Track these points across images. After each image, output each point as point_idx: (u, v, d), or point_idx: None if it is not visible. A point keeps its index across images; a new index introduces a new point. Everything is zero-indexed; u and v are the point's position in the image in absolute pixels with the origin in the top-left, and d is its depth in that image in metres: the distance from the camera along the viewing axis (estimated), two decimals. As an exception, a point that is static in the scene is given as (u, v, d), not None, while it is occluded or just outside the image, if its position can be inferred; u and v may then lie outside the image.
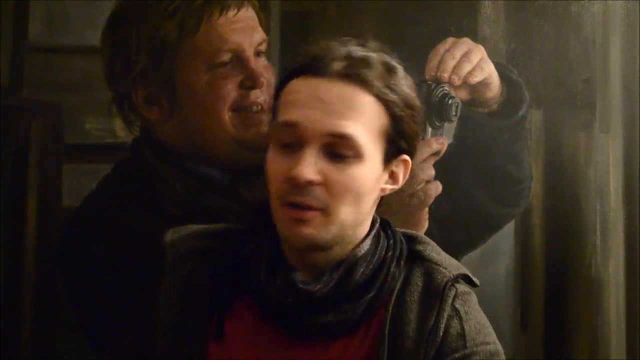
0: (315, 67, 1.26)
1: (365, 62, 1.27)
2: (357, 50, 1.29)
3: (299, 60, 1.30)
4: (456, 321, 1.28)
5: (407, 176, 1.34)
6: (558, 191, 2.03)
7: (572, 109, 2.02)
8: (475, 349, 1.29)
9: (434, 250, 1.36)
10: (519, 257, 2.04)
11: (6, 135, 1.89)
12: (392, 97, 1.28)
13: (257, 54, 1.71)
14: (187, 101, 1.69)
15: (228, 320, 1.33)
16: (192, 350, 1.30)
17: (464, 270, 1.34)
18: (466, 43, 1.74)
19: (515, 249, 2.04)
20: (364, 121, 1.25)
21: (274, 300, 1.29)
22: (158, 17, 1.67)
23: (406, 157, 1.32)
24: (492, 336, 1.32)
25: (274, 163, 1.26)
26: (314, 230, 1.24)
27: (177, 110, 1.70)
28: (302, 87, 1.26)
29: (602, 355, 2.02)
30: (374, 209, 1.33)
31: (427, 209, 1.71)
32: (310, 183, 1.22)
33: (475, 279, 1.35)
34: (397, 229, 1.39)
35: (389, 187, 1.32)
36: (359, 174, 1.26)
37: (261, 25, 1.74)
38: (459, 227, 1.80)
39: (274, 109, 1.31)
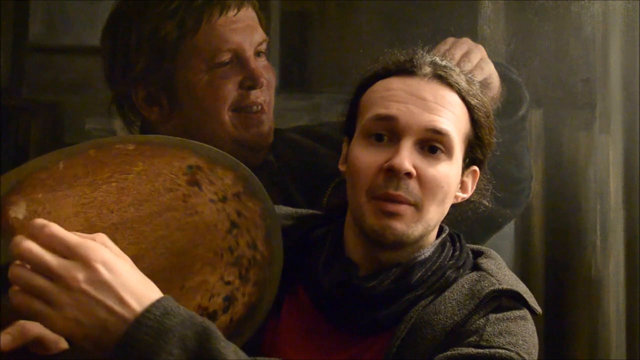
0: (407, 68, 1.31)
1: (450, 68, 1.33)
2: (439, 59, 1.34)
3: (384, 63, 1.34)
4: (481, 322, 1.24)
5: (475, 188, 1.35)
6: (558, 191, 2.02)
7: (572, 109, 2.02)
8: (486, 347, 1.20)
9: (495, 265, 1.34)
10: (519, 257, 2.04)
11: (6, 135, 1.88)
12: (476, 102, 1.32)
13: (257, 54, 1.71)
14: (187, 101, 1.69)
15: (288, 300, 1.35)
16: None
17: (519, 290, 1.28)
18: (466, 43, 1.75)
19: (515, 249, 2.03)
20: (455, 121, 1.29)
21: (325, 291, 1.30)
22: (158, 17, 1.67)
23: (476, 167, 1.34)
24: (521, 348, 1.21)
25: (364, 156, 1.27)
26: (405, 225, 1.25)
27: (177, 110, 1.70)
28: (396, 84, 1.29)
29: (602, 356, 2.01)
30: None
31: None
32: (408, 175, 1.24)
33: (535, 306, 1.29)
34: (469, 245, 1.38)
35: (461, 195, 1.35)
36: (449, 172, 1.28)
37: (261, 25, 1.74)
38: (459, 227, 1.80)
39: (355, 108, 1.34)
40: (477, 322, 1.23)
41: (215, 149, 1.29)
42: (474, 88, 1.33)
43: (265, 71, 1.71)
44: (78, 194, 1.20)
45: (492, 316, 1.24)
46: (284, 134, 1.78)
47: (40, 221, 1.04)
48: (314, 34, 1.96)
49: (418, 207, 1.25)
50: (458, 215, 1.42)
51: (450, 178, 1.28)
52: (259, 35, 1.72)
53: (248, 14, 1.72)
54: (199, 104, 1.68)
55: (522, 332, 1.24)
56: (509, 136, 1.83)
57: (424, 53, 1.35)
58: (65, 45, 1.93)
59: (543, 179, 2.01)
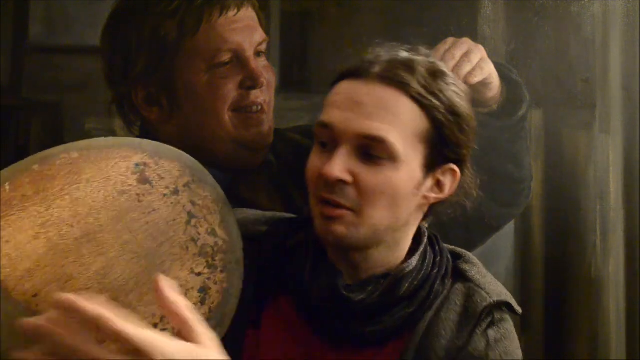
0: (356, 70, 1.28)
1: (407, 65, 1.27)
2: (403, 54, 1.29)
3: (348, 64, 1.31)
4: (482, 345, 1.27)
5: (456, 186, 1.32)
6: (558, 191, 2.03)
7: (572, 109, 2.03)
8: None
9: (479, 273, 1.34)
10: (519, 257, 2.04)
11: (6, 135, 1.89)
12: (433, 101, 1.26)
13: (257, 54, 1.71)
14: (187, 101, 1.68)
15: (268, 310, 1.33)
16: (230, 334, 1.29)
17: (506, 297, 1.32)
18: (466, 43, 1.74)
19: (515, 249, 2.04)
20: (399, 124, 1.25)
21: (313, 302, 1.29)
22: (158, 17, 1.67)
23: (453, 166, 1.30)
24: None
25: (312, 161, 1.28)
26: (344, 228, 1.24)
27: (177, 110, 1.70)
28: (342, 89, 1.28)
29: (602, 356, 2.02)
30: (419, 218, 1.32)
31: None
32: (339, 182, 1.23)
33: (517, 307, 1.33)
34: (445, 245, 1.38)
35: (434, 195, 1.30)
36: (393, 178, 1.25)
37: (261, 25, 1.74)
38: (459, 227, 1.80)
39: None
40: (479, 345, 1.26)
41: (156, 142, 1.28)
42: (437, 85, 1.28)
43: (265, 71, 1.71)
44: (32, 214, 1.16)
45: (490, 336, 1.28)
46: (284, 134, 1.78)
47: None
48: (314, 34, 1.97)
49: (356, 212, 1.24)
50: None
51: (396, 183, 1.25)
52: (259, 35, 1.72)
53: (248, 14, 1.72)
54: (199, 104, 1.68)
55: (514, 349, 1.29)
56: (509, 136, 1.83)
57: (386, 51, 1.30)
58: (65, 45, 1.93)
59: (543, 179, 2.02)
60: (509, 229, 2.01)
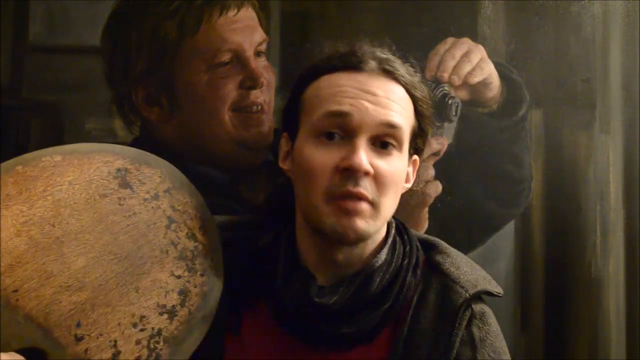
0: (352, 63, 1.28)
1: (393, 61, 1.30)
2: (378, 51, 1.31)
3: (327, 58, 1.31)
4: (469, 350, 1.25)
5: (416, 176, 1.34)
6: (558, 191, 2.03)
7: (572, 109, 2.02)
8: None
9: (453, 264, 1.32)
10: (519, 257, 2.04)
11: (6, 135, 1.88)
12: (419, 94, 1.30)
13: (257, 54, 1.71)
14: (187, 101, 1.69)
15: (247, 315, 1.32)
16: (209, 340, 1.29)
17: (483, 285, 1.30)
18: (466, 43, 1.75)
19: (515, 249, 2.03)
20: (403, 114, 1.27)
21: (287, 307, 1.28)
22: (158, 17, 1.67)
23: (417, 157, 1.33)
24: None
25: (317, 156, 1.24)
26: (365, 222, 1.23)
27: (177, 110, 1.70)
28: (345, 80, 1.26)
29: (602, 355, 2.01)
30: None
31: (426, 209, 1.72)
32: (366, 174, 1.22)
33: (496, 290, 1.31)
34: (415, 233, 1.37)
35: (406, 185, 1.33)
36: (400, 166, 1.27)
37: (261, 25, 1.74)
38: (459, 227, 1.80)
39: (297, 105, 1.30)
40: (465, 350, 1.25)
41: (138, 149, 1.31)
42: (417, 79, 1.32)
43: (265, 71, 1.72)
44: (15, 213, 1.20)
45: (475, 336, 1.26)
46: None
47: None
48: (314, 34, 1.96)
49: (375, 204, 1.23)
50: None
51: (401, 171, 1.27)
52: (259, 35, 1.72)
53: (248, 14, 1.72)
54: (199, 104, 1.68)
55: (499, 342, 1.28)
56: (509, 136, 1.83)
57: (365, 46, 1.32)
58: (65, 45, 1.93)
59: (543, 179, 2.01)
60: (509, 229, 2.01)
